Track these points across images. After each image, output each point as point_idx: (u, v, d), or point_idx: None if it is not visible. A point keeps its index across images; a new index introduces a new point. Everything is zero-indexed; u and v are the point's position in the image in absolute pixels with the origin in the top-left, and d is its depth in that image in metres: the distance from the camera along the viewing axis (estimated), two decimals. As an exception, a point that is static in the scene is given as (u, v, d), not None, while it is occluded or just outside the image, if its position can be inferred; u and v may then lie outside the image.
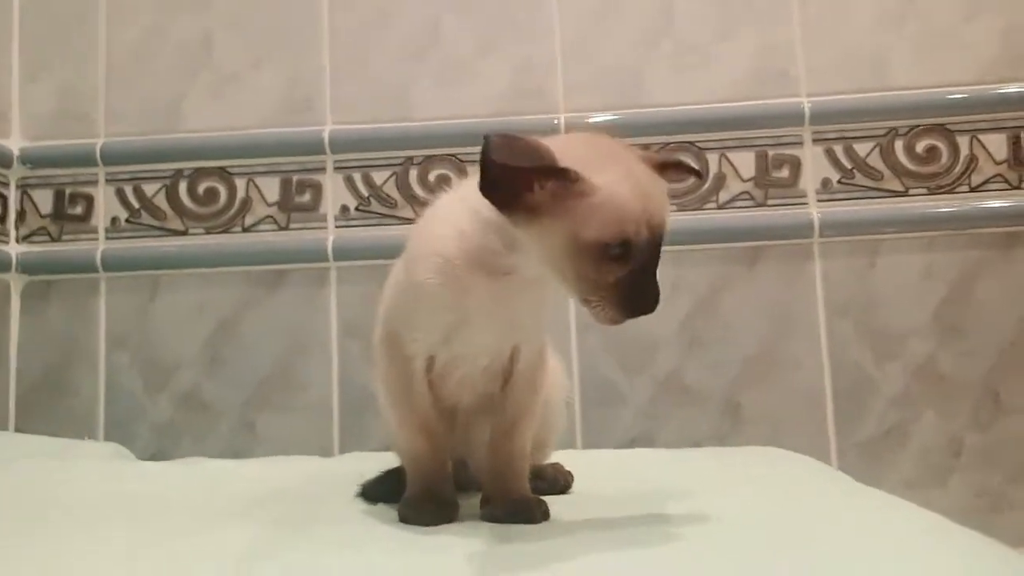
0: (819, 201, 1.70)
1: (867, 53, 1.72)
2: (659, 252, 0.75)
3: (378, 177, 1.76)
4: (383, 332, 0.92)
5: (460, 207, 0.84)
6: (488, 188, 0.73)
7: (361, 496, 0.97)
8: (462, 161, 1.75)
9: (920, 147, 1.69)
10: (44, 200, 1.81)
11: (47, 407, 1.76)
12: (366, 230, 1.75)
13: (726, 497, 0.91)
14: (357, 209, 1.76)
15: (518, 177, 0.72)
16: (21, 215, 1.81)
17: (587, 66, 1.75)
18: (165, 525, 0.81)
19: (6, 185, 1.79)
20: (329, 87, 1.78)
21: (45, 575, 0.62)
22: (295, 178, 1.77)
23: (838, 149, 1.70)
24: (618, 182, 0.73)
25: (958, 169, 1.68)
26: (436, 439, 0.90)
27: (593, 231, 0.72)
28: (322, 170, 1.77)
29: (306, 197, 1.77)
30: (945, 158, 1.69)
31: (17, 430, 1.73)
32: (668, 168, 0.82)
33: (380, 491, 0.97)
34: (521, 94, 1.75)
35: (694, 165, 0.87)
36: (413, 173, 1.76)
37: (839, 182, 1.70)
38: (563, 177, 0.72)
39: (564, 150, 0.73)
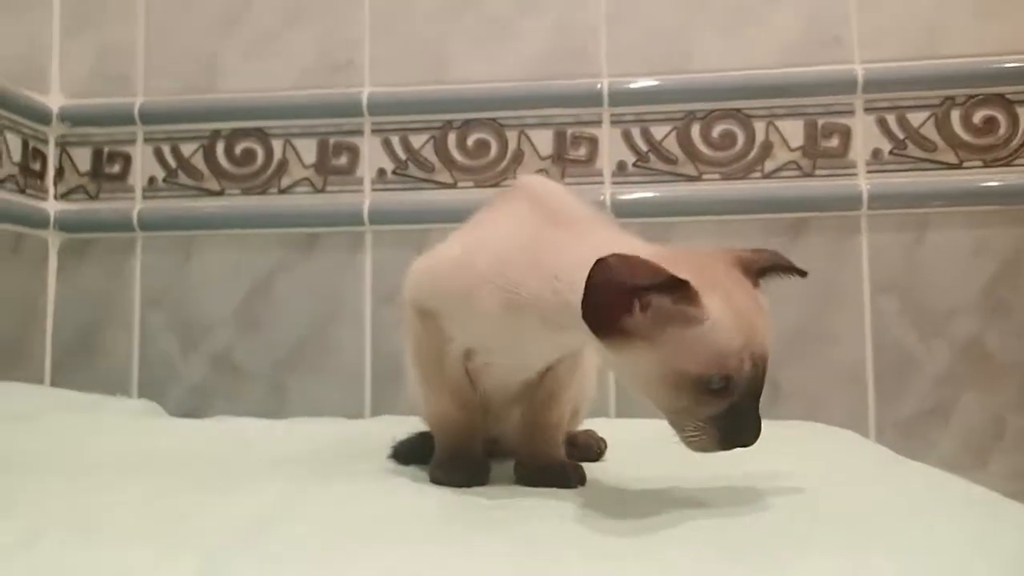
0: (869, 172, 1.64)
1: (924, 19, 1.65)
2: (762, 385, 0.69)
3: (416, 141, 1.74)
4: (419, 303, 0.86)
5: (547, 261, 0.76)
6: (589, 311, 0.67)
7: (392, 457, 0.95)
8: (501, 125, 1.72)
9: (977, 118, 1.63)
10: (82, 158, 1.81)
11: (82, 365, 1.77)
12: (403, 194, 1.73)
13: (763, 466, 0.88)
14: (394, 173, 1.74)
15: (622, 298, 0.67)
16: (60, 173, 1.81)
17: (632, 27, 1.71)
18: (187, 480, 0.80)
19: (45, 143, 1.80)
20: (368, 48, 1.76)
21: (60, 523, 0.61)
22: (332, 140, 1.76)
23: (891, 119, 1.64)
24: (721, 310, 0.67)
25: (1016, 141, 1.62)
26: (469, 406, 0.87)
27: (692, 364, 0.67)
28: (359, 133, 1.75)
29: (343, 160, 1.75)
30: (1003, 129, 1.62)
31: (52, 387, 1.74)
32: (768, 272, 0.75)
33: (412, 453, 0.95)
34: (563, 56, 1.71)
35: (796, 266, 0.79)
36: (451, 137, 1.73)
37: (891, 153, 1.64)
38: (680, 291, 0.66)
39: (670, 264, 0.67)
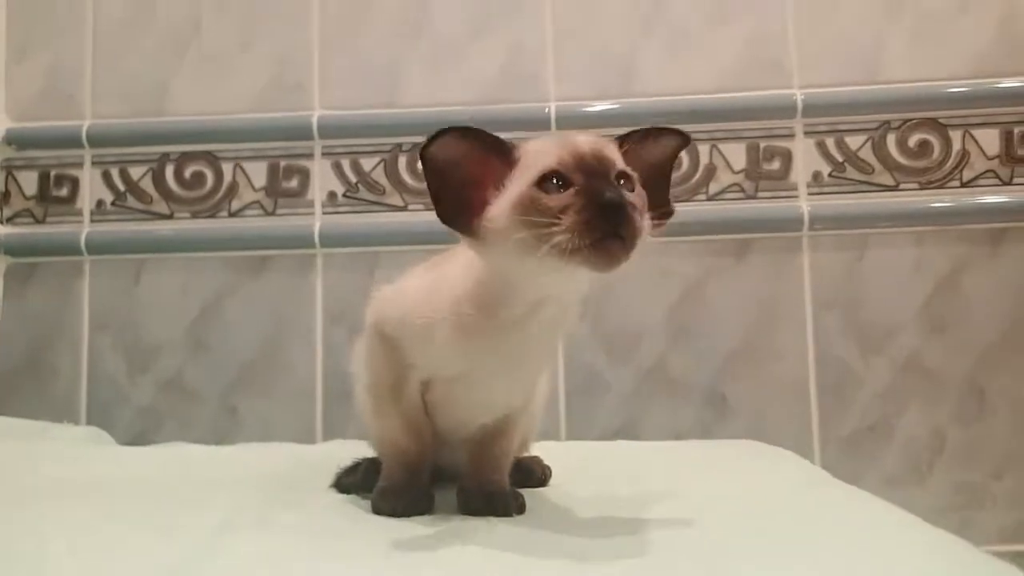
0: (810, 194, 1.69)
1: (861, 45, 1.70)
2: (603, 172, 0.72)
3: (367, 163, 1.75)
4: (379, 327, 0.87)
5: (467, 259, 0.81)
6: (443, 213, 0.75)
7: (335, 487, 0.96)
8: (451, 148, 1.73)
9: (912, 141, 1.68)
10: (29, 182, 1.79)
11: (29, 389, 1.75)
12: (354, 216, 1.74)
13: (701, 492, 0.90)
14: (345, 195, 1.75)
15: (466, 193, 0.74)
16: (6, 196, 1.79)
17: (579, 52, 1.74)
18: (123, 509, 0.80)
19: (-9, 165, 1.78)
20: (317, 71, 1.76)
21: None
22: (282, 163, 1.76)
23: (830, 142, 1.69)
24: (540, 140, 0.76)
25: (950, 164, 1.67)
26: (421, 438, 0.88)
27: (523, 183, 0.72)
28: (310, 156, 1.76)
29: (293, 183, 1.75)
30: (937, 152, 1.68)
31: (-1, 412, 1.72)
32: (642, 140, 0.80)
33: (354, 481, 0.96)
34: (512, 80, 1.73)
35: (666, 127, 0.84)
36: (402, 160, 1.74)
37: (830, 175, 1.69)
38: (502, 150, 0.75)
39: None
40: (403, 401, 0.86)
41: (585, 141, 0.74)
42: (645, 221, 0.72)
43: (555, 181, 0.71)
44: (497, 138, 0.75)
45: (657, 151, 0.82)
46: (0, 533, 0.70)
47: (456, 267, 0.82)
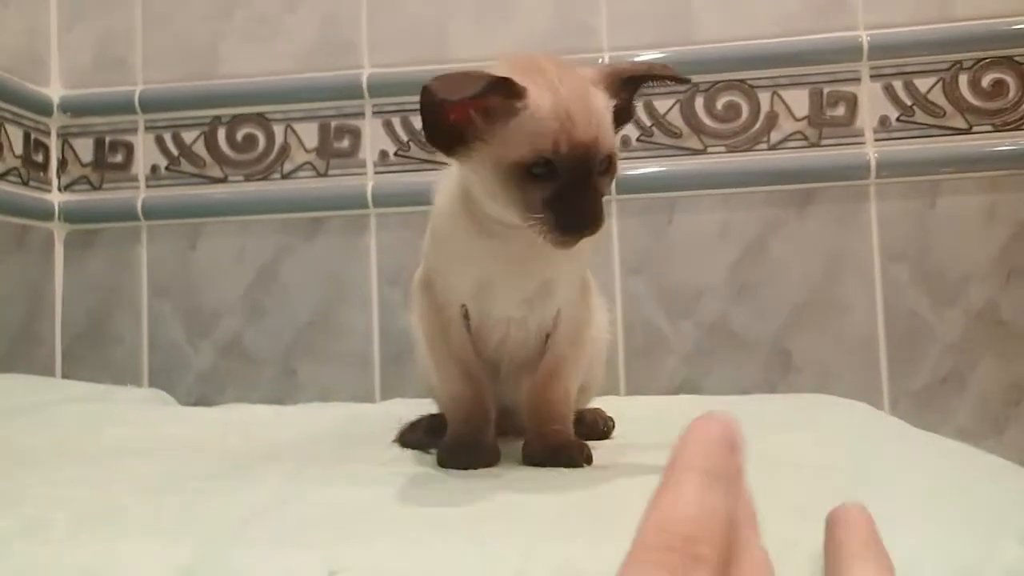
0: (876, 140, 1.62)
1: (931, -18, 1.62)
2: (590, 169, 0.72)
3: (418, 122, 1.71)
4: (422, 275, 0.90)
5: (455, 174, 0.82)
6: (431, 135, 0.73)
7: (398, 442, 0.95)
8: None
9: (986, 81, 1.60)
10: (85, 149, 1.81)
11: (93, 356, 1.78)
12: (406, 176, 1.72)
13: (773, 441, 0.87)
14: (396, 154, 1.73)
15: (455, 112, 0.72)
16: (63, 164, 1.81)
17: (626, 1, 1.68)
18: (192, 468, 0.80)
19: (47, 134, 1.79)
20: (366, 28, 1.74)
21: (61, 514, 0.61)
22: (333, 123, 1.74)
23: (897, 85, 1.62)
24: (539, 97, 0.71)
25: (1027, 104, 1.59)
26: (478, 383, 0.87)
27: (514, 151, 0.71)
28: (360, 115, 1.74)
29: (345, 143, 1.74)
30: (1013, 92, 1.59)
31: (64, 378, 1.75)
32: (641, 82, 0.78)
33: (418, 437, 0.95)
34: (565, 30, 1.69)
35: (673, 73, 0.79)
36: (452, 117, 1.71)
37: (898, 120, 1.61)
38: (505, 89, 0.70)
39: (495, 70, 0.72)
40: (453, 342, 0.86)
41: (587, 125, 0.71)
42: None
43: (542, 169, 0.71)
44: (510, 83, 0.70)
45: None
46: (69, 492, 0.70)
47: (451, 180, 0.84)
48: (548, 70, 0.73)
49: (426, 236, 0.90)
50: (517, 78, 0.71)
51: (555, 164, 0.70)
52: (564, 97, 0.71)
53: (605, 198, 0.73)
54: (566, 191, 0.71)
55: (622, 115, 0.77)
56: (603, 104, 0.74)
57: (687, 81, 0.79)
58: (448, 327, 0.86)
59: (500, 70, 0.72)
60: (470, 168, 0.75)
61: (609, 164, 0.74)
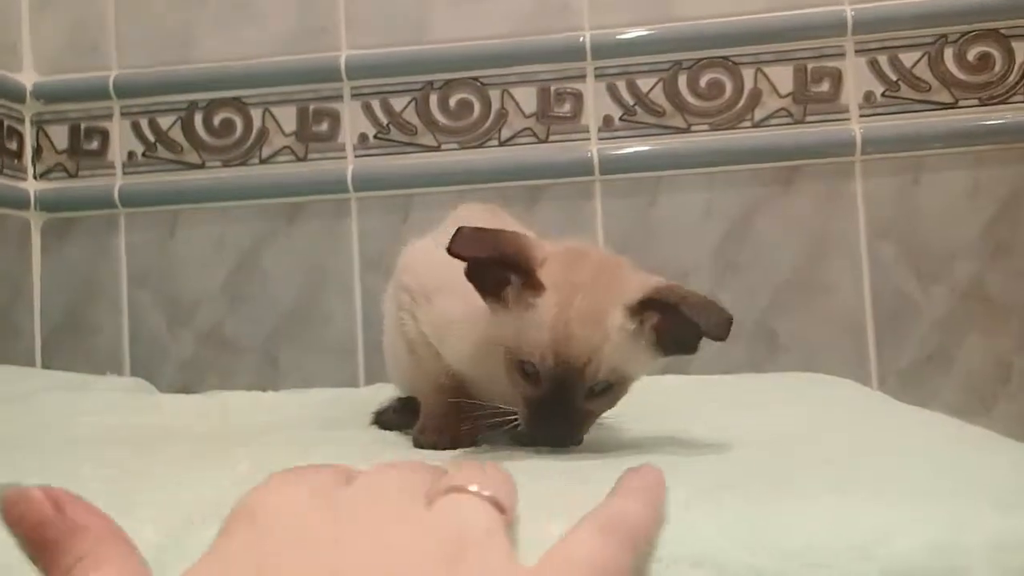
0: (861, 116, 1.60)
1: (914, -46, 1.60)
2: (570, 388, 0.68)
3: (397, 104, 1.70)
4: (410, 298, 0.84)
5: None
6: (472, 274, 0.70)
7: (376, 424, 0.93)
8: (483, 85, 1.68)
9: (972, 55, 1.58)
10: (60, 136, 1.78)
11: (72, 346, 1.75)
12: (386, 159, 1.70)
13: (762, 418, 0.86)
14: (376, 137, 1.70)
15: (499, 273, 0.71)
16: (37, 151, 1.78)
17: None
18: (167, 453, 0.78)
19: (21, 121, 1.76)
20: (343, 10, 1.71)
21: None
22: (312, 107, 1.72)
23: (882, 60, 1.60)
24: (547, 305, 0.68)
25: (1013, 77, 1.57)
26: (456, 378, 0.84)
27: (513, 339, 0.70)
28: (339, 98, 1.71)
29: (323, 126, 1.71)
30: (999, 66, 1.58)
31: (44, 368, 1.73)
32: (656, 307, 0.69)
33: (393, 418, 0.93)
34: (545, 11, 1.67)
35: (690, 315, 0.68)
36: (433, 99, 1.69)
37: (883, 95, 1.60)
38: (528, 274, 0.69)
39: (545, 250, 0.72)
40: (433, 359, 0.82)
41: (579, 345, 0.67)
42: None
43: (532, 368, 0.69)
44: (532, 277, 0.69)
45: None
46: (37, 479, 0.68)
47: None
48: (580, 276, 0.70)
49: (422, 258, 0.86)
50: (546, 272, 0.69)
51: (540, 373, 0.69)
52: (571, 314, 0.68)
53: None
54: (547, 401, 0.69)
55: (666, 339, 0.71)
56: (617, 328, 0.68)
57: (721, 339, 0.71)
58: (429, 352, 0.83)
59: (550, 251, 0.71)
60: (492, 314, 0.73)
61: (608, 387, 0.70)
